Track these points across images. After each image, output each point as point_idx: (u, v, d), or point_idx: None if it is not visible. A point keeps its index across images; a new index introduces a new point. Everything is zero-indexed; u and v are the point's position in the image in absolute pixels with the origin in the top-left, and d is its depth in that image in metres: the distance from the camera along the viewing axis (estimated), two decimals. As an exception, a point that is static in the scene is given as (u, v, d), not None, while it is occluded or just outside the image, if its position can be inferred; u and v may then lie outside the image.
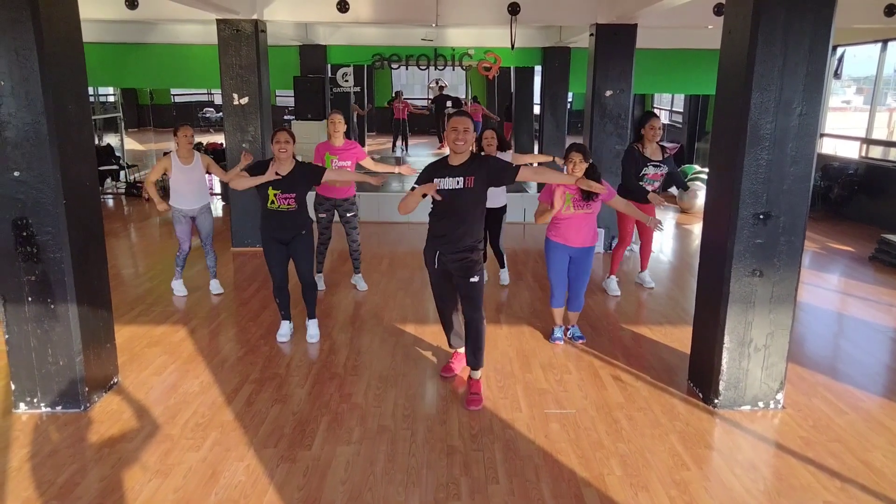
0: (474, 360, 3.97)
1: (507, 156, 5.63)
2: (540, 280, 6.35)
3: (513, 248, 7.52)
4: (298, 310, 5.06)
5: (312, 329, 4.87)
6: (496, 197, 5.74)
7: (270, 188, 4.46)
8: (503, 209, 5.92)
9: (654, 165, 5.71)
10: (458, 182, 3.67)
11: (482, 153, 5.51)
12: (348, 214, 5.83)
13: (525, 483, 3.16)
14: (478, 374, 4.02)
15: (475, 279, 3.82)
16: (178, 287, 5.88)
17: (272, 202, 4.49)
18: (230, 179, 5.27)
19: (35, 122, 3.41)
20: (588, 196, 4.46)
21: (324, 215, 5.79)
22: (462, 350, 4.20)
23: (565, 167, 4.47)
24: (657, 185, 5.83)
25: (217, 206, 10.20)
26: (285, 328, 4.88)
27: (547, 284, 5.00)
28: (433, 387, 4.17)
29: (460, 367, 4.28)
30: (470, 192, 3.69)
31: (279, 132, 4.51)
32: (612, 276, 6.07)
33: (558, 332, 4.89)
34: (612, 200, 4.60)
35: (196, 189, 5.57)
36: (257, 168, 4.51)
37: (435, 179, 3.70)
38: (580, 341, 4.87)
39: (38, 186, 3.49)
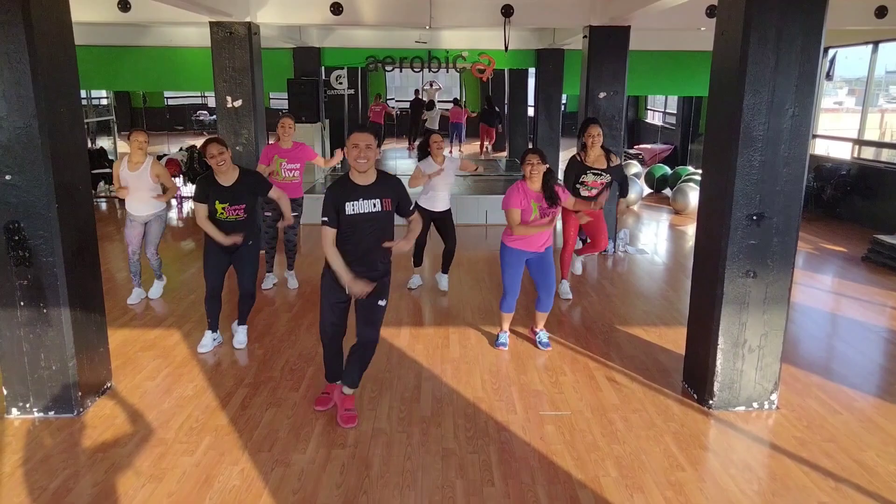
0: (357, 378, 3.68)
1: (455, 162, 5.98)
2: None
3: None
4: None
5: (241, 335, 4.78)
6: (441, 201, 5.73)
7: (217, 201, 4.36)
8: (449, 212, 5.86)
9: (594, 173, 5.58)
10: (374, 204, 3.41)
11: (429, 158, 5.68)
12: (293, 214, 5.87)
13: (520, 485, 3.16)
14: (351, 391, 3.74)
15: (383, 302, 3.61)
16: (133, 297, 5.73)
17: (221, 213, 4.40)
18: (167, 199, 5.47)
19: (27, 125, 3.39)
20: (552, 202, 4.41)
21: (269, 214, 5.85)
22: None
23: (523, 170, 4.44)
24: (595, 192, 5.59)
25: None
26: (208, 339, 4.73)
27: (532, 286, 4.94)
28: (428, 389, 4.16)
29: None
30: (388, 215, 3.48)
31: (210, 144, 4.30)
32: (564, 281, 5.97)
33: (504, 338, 4.82)
34: (567, 200, 4.63)
35: (142, 196, 5.42)
36: (199, 188, 4.40)
37: (346, 204, 3.37)
38: (546, 349, 4.76)
39: (30, 190, 3.47)
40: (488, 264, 6.88)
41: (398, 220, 3.57)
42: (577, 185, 5.63)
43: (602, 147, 5.65)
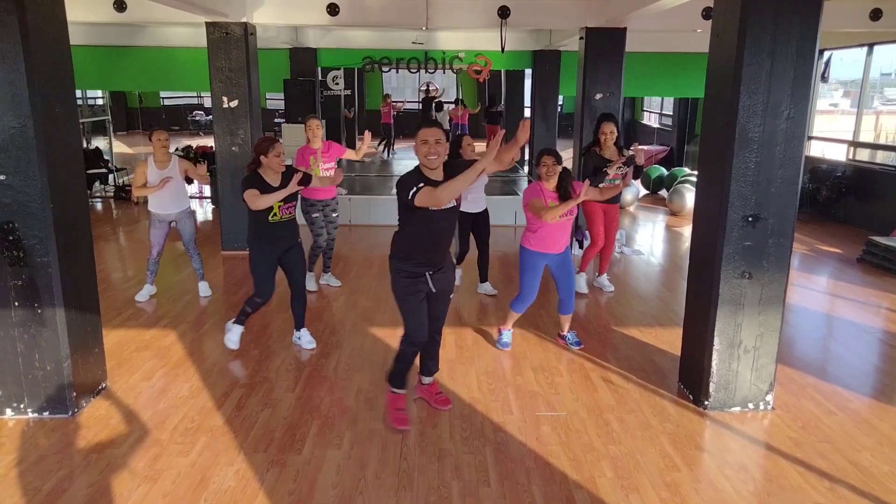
0: (436, 366, 3.97)
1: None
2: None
3: (503, 251, 7.51)
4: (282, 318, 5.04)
5: (307, 336, 4.78)
6: (477, 202, 5.73)
7: None
8: (486, 212, 5.86)
9: (616, 166, 5.63)
10: (449, 201, 3.31)
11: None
12: (333, 214, 6.02)
13: (516, 486, 3.16)
14: (432, 379, 4.01)
15: (452, 294, 3.75)
16: (143, 293, 5.77)
17: (275, 214, 4.36)
18: (202, 178, 5.42)
19: (22, 125, 3.38)
20: (568, 199, 4.39)
21: (317, 215, 5.84)
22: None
23: (538, 171, 4.45)
24: (618, 182, 5.66)
25: (207, 210, 10.15)
26: (237, 334, 4.69)
27: (512, 286, 4.93)
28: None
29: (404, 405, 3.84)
30: (457, 210, 3.52)
31: (277, 143, 4.32)
32: (582, 273, 6.09)
33: (507, 336, 4.81)
34: (585, 191, 4.45)
35: (173, 194, 5.50)
36: (252, 182, 4.28)
37: None
38: (578, 347, 4.80)
39: (24, 190, 3.46)
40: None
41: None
42: (598, 176, 5.64)
43: (615, 144, 5.72)
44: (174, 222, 5.64)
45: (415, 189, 3.22)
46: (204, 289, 5.92)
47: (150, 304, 5.69)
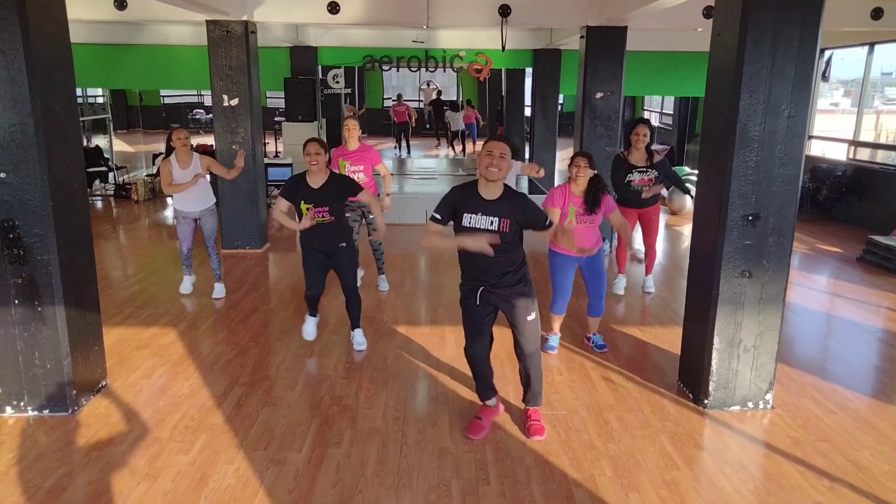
0: (540, 394, 3.68)
1: (516, 165, 5.72)
2: (537, 283, 6.34)
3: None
4: (296, 317, 5.04)
5: (359, 337, 4.74)
6: None
7: (303, 202, 4.34)
8: None
9: (640, 171, 5.69)
10: (491, 223, 3.24)
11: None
12: (370, 216, 5.84)
13: (516, 484, 3.16)
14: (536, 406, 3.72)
15: (532, 317, 3.44)
16: (185, 285, 5.91)
17: (305, 214, 4.37)
18: (230, 174, 5.55)
19: (22, 123, 3.38)
20: (592, 209, 4.36)
21: (349, 215, 5.80)
22: (492, 403, 3.76)
23: (569, 171, 4.41)
24: (644, 189, 5.74)
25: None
26: (311, 325, 4.73)
27: (543, 288, 4.93)
28: (424, 389, 4.16)
29: (490, 422, 3.71)
30: (503, 236, 3.26)
31: (309, 143, 4.32)
32: (621, 275, 6.10)
33: (553, 341, 4.75)
34: (612, 214, 4.44)
35: (197, 192, 5.53)
36: (288, 186, 4.40)
37: (465, 214, 3.27)
38: (602, 350, 4.73)
39: (24, 188, 3.46)
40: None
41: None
42: (627, 187, 5.71)
43: (645, 148, 5.72)
44: (199, 219, 5.66)
45: (435, 211, 3.36)
46: (219, 290, 5.88)
47: (150, 304, 5.69)
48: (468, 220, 3.28)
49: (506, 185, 3.34)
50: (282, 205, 4.40)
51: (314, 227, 4.38)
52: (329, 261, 4.54)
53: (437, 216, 3.35)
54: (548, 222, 3.40)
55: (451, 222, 3.37)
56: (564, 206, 4.39)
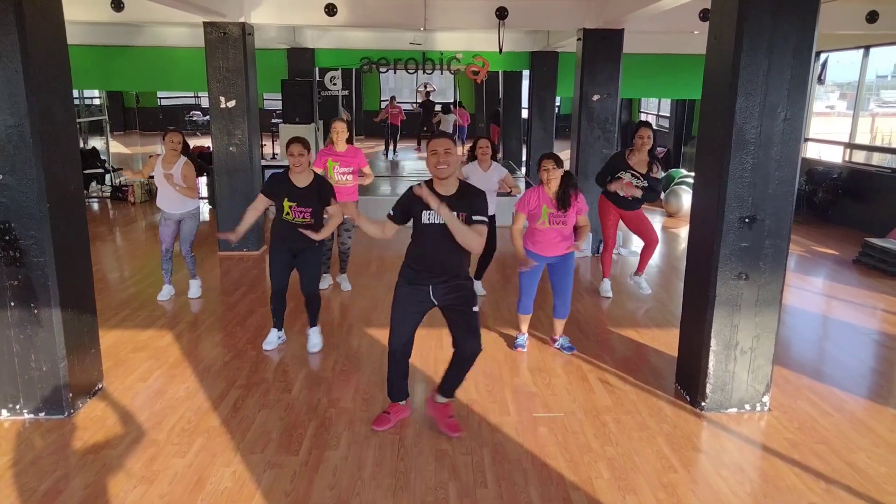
0: (456, 388, 3.64)
1: (498, 168, 5.75)
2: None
3: (500, 250, 7.50)
4: (291, 319, 5.03)
5: (314, 338, 4.76)
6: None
7: (286, 199, 4.36)
8: (493, 219, 5.73)
9: (634, 175, 5.62)
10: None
11: (476, 163, 5.62)
12: (346, 217, 5.86)
13: (513, 487, 3.16)
14: (447, 400, 3.70)
15: (476, 308, 3.48)
16: (163, 293, 5.81)
17: (287, 213, 4.39)
18: (189, 195, 5.53)
19: (18, 124, 3.37)
20: (563, 206, 4.39)
21: (326, 217, 5.80)
22: (404, 402, 3.75)
23: (539, 176, 4.43)
24: (625, 193, 5.67)
25: (204, 210, 10.13)
26: (273, 336, 4.78)
27: (512, 288, 4.92)
28: (421, 391, 4.16)
29: (398, 418, 3.73)
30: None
31: (293, 143, 4.35)
32: (606, 279, 6.11)
33: (521, 340, 4.82)
34: (580, 217, 4.49)
35: (175, 194, 5.50)
36: (271, 183, 4.45)
37: (423, 212, 3.32)
38: (571, 352, 4.75)
39: (21, 190, 3.45)
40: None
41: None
42: (612, 177, 5.71)
43: (649, 153, 5.66)
44: (181, 221, 5.64)
45: (394, 206, 3.45)
46: (195, 289, 5.89)
47: (147, 306, 5.68)
48: (427, 216, 3.33)
49: (460, 181, 3.42)
50: (259, 203, 4.48)
51: (289, 225, 4.41)
52: (294, 259, 4.56)
53: (392, 214, 3.46)
54: (479, 219, 3.34)
55: (411, 221, 3.43)
56: (538, 208, 4.43)
